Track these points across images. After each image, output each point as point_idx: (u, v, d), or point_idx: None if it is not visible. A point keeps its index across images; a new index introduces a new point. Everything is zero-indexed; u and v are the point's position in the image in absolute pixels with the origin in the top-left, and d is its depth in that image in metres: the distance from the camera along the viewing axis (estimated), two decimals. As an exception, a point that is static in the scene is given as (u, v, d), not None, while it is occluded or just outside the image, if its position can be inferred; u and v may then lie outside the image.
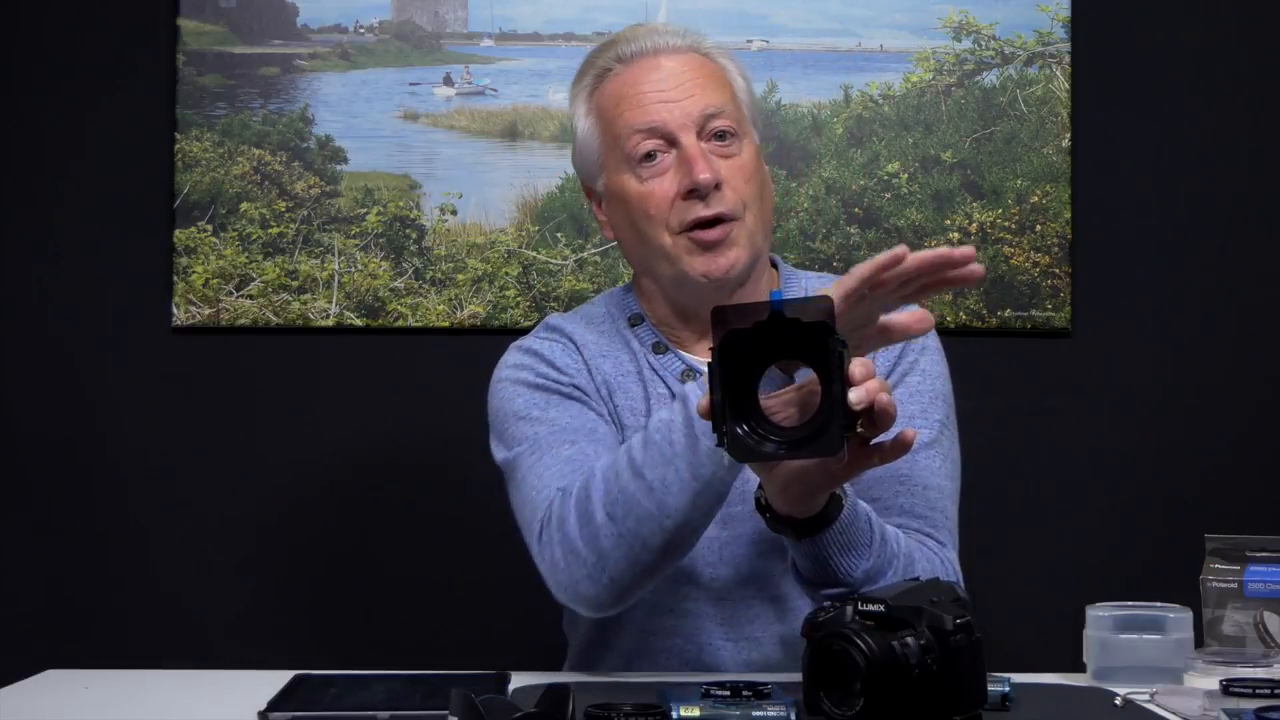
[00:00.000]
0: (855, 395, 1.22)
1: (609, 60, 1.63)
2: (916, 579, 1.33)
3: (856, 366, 1.24)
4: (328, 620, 2.29)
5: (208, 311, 2.29)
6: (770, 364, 1.27)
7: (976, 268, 1.30)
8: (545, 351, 1.66)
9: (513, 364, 1.67)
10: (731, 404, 1.25)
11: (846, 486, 1.40)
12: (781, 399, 1.30)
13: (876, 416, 1.26)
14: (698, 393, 1.35)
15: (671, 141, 1.58)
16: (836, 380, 1.22)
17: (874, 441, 1.30)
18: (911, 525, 1.54)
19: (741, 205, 1.58)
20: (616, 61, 1.63)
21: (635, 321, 1.68)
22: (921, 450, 1.58)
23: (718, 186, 1.56)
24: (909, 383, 1.63)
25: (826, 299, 1.23)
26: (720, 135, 1.59)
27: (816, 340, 1.23)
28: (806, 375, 1.28)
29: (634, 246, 1.64)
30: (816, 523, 1.37)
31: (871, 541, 1.40)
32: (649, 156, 1.58)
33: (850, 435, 1.25)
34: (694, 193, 1.56)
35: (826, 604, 1.28)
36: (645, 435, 1.43)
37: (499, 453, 1.63)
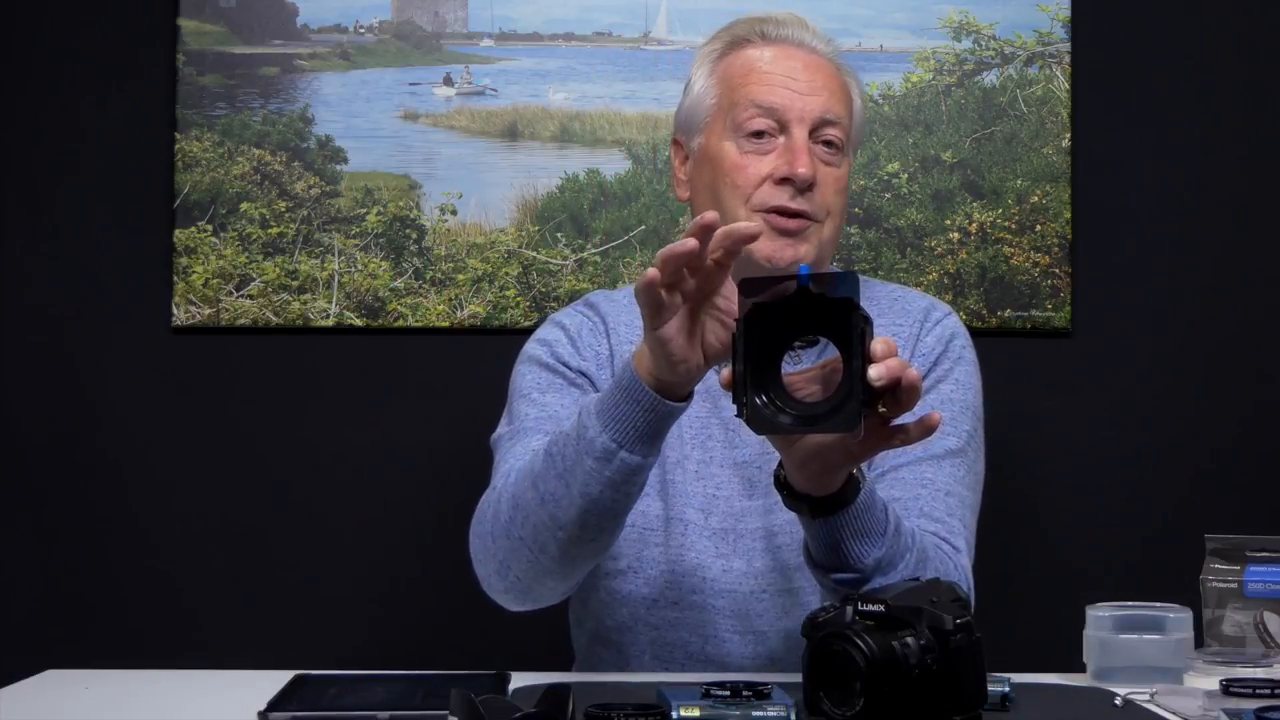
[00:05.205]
0: (875, 372, 1.23)
1: (750, 33, 1.67)
2: (918, 579, 1.33)
3: (878, 344, 1.24)
4: (328, 620, 2.29)
5: (208, 311, 2.29)
6: (795, 338, 1.28)
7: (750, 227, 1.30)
8: (571, 328, 1.70)
9: (537, 339, 1.71)
10: (753, 376, 1.26)
11: (868, 473, 1.40)
12: (805, 375, 1.30)
13: (902, 394, 1.26)
14: (592, 410, 1.37)
15: (783, 127, 1.62)
16: (857, 356, 1.23)
17: (897, 422, 1.30)
18: (928, 528, 1.53)
19: (824, 211, 1.62)
20: (759, 36, 1.66)
21: None
22: (946, 458, 1.59)
23: (811, 186, 1.60)
24: (941, 390, 1.63)
25: (853, 275, 1.24)
26: (828, 143, 1.63)
27: (840, 316, 1.24)
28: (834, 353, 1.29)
29: (705, 210, 1.65)
30: (833, 503, 1.36)
31: (886, 530, 1.40)
32: (758, 134, 1.62)
33: (869, 412, 1.25)
34: (788, 182, 1.60)
35: (828, 604, 1.28)
36: (548, 444, 1.45)
37: (497, 429, 1.66)
